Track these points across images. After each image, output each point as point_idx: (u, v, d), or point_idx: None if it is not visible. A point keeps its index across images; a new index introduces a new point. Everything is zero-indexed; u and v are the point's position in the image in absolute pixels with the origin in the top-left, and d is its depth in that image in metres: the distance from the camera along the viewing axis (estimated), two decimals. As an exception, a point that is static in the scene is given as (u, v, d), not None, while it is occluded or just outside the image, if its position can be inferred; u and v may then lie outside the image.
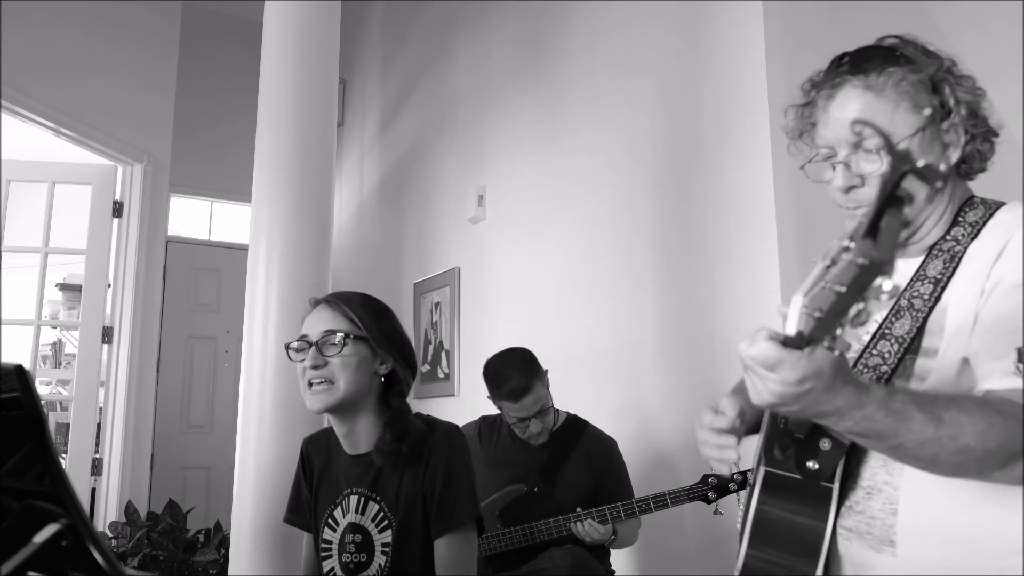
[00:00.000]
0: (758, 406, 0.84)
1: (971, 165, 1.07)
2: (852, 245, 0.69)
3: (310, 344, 1.53)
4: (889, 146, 0.70)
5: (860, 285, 0.69)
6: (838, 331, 0.73)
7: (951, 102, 1.02)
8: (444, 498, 1.51)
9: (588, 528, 2.16)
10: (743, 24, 2.49)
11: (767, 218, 2.33)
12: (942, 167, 0.73)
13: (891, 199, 0.70)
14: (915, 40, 1.06)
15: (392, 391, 1.59)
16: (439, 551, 1.51)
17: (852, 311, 0.70)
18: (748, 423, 1.10)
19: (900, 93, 1.01)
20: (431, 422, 1.61)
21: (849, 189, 1.03)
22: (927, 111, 0.99)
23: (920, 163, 0.69)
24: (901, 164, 0.69)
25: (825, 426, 0.96)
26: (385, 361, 1.57)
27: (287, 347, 1.58)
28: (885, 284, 0.69)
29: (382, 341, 1.56)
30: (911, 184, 0.71)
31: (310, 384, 1.53)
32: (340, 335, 1.52)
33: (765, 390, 0.80)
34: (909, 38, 1.07)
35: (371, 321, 1.56)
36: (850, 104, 1.02)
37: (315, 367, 1.51)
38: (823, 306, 0.70)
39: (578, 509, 2.21)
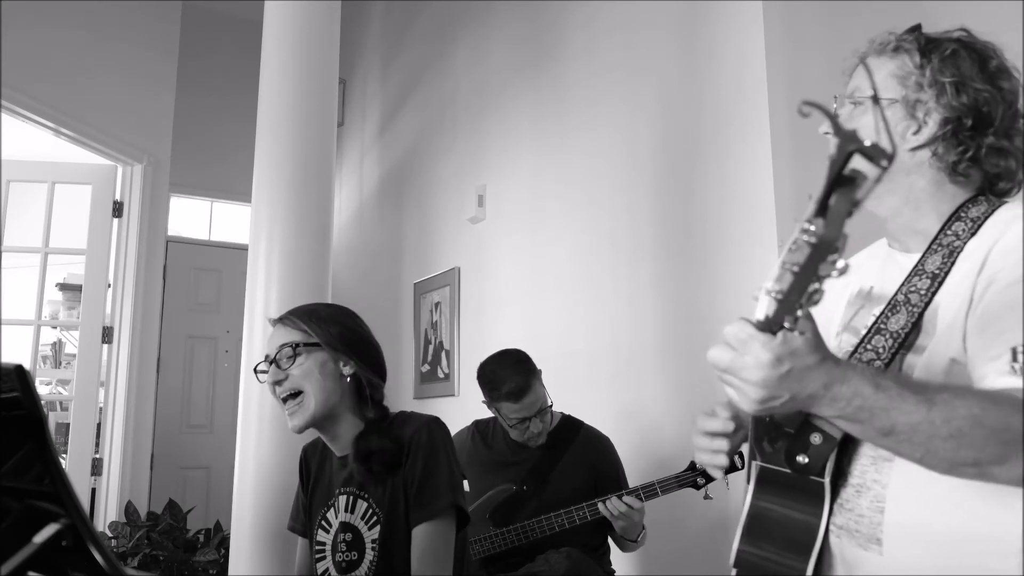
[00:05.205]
0: (749, 412, 0.85)
1: (972, 167, 1.04)
2: (805, 226, 0.72)
3: (271, 362, 1.58)
4: (835, 126, 0.71)
5: (812, 264, 0.72)
6: (799, 312, 0.75)
7: (927, 78, 1.03)
8: (422, 488, 1.53)
9: (615, 503, 2.08)
10: (743, 24, 2.49)
11: (767, 219, 2.33)
12: (899, 146, 0.73)
13: (839, 179, 0.71)
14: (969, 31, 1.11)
15: (362, 397, 1.60)
16: (415, 539, 1.53)
17: (809, 290, 0.73)
18: (743, 434, 1.10)
19: (891, 58, 1.07)
20: (409, 418, 1.62)
21: None
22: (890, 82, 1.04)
23: (866, 142, 0.70)
24: (847, 144, 0.70)
25: (816, 421, 0.96)
26: (347, 363, 1.59)
27: (255, 371, 1.63)
28: (839, 262, 0.71)
29: (337, 344, 1.58)
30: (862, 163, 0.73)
31: (284, 402, 1.57)
32: (291, 347, 1.56)
33: (747, 384, 0.80)
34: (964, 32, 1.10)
35: (325, 327, 1.59)
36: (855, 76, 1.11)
37: (277, 382, 1.56)
38: (783, 288, 0.73)
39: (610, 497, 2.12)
